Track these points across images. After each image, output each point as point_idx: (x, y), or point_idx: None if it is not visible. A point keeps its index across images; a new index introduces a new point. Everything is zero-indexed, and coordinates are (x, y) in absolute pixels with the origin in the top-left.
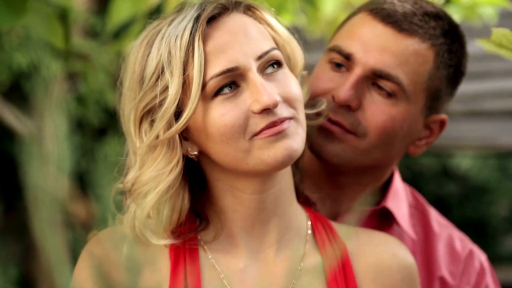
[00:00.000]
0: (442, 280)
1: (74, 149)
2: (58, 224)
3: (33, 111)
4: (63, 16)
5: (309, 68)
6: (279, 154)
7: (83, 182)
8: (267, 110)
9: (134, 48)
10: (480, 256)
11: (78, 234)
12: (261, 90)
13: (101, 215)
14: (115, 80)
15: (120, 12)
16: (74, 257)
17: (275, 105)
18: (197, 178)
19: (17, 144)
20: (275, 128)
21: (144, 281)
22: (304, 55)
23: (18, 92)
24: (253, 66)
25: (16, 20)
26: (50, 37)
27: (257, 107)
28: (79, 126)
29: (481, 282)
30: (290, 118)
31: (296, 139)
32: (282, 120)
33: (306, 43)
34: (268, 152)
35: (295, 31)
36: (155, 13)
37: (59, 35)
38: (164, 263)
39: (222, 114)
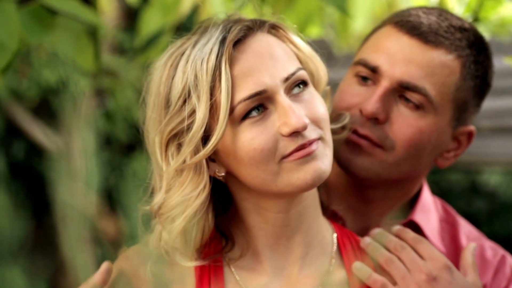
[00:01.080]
0: None
1: (102, 166)
2: (86, 241)
3: (61, 128)
4: (93, 33)
5: (337, 83)
6: (308, 177)
7: (111, 198)
8: (296, 133)
9: (157, 69)
10: None
11: (107, 250)
12: (290, 113)
13: (130, 232)
14: (143, 97)
15: (150, 23)
16: None
17: (304, 128)
18: (222, 197)
19: (46, 160)
20: (304, 150)
21: None
22: (331, 70)
23: (47, 108)
24: (281, 88)
25: (44, 36)
26: (78, 57)
27: (286, 130)
28: (107, 142)
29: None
30: (318, 139)
31: (324, 161)
32: (310, 142)
33: (333, 58)
34: (297, 175)
35: (322, 45)
36: (184, 25)
37: (88, 54)
38: (189, 281)
39: (252, 138)
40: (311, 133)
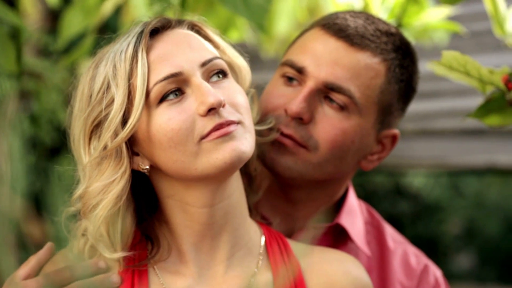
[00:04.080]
0: None
1: (27, 169)
2: (11, 244)
3: None
4: (15, 35)
5: (264, 86)
6: (227, 156)
7: (37, 202)
8: (213, 111)
9: (84, 73)
10: (435, 271)
11: (32, 254)
12: (206, 91)
13: (56, 236)
14: (68, 99)
15: (72, 24)
16: None
17: (220, 104)
18: (147, 201)
19: None
20: (222, 130)
21: None
22: (258, 73)
23: None
24: (197, 71)
25: None
26: (1, 59)
27: (202, 108)
28: (32, 145)
29: None
30: (237, 123)
31: (244, 142)
32: (228, 123)
33: (259, 62)
34: (216, 155)
35: (245, 48)
36: (107, 26)
37: (11, 56)
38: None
39: (169, 118)
40: (229, 115)
